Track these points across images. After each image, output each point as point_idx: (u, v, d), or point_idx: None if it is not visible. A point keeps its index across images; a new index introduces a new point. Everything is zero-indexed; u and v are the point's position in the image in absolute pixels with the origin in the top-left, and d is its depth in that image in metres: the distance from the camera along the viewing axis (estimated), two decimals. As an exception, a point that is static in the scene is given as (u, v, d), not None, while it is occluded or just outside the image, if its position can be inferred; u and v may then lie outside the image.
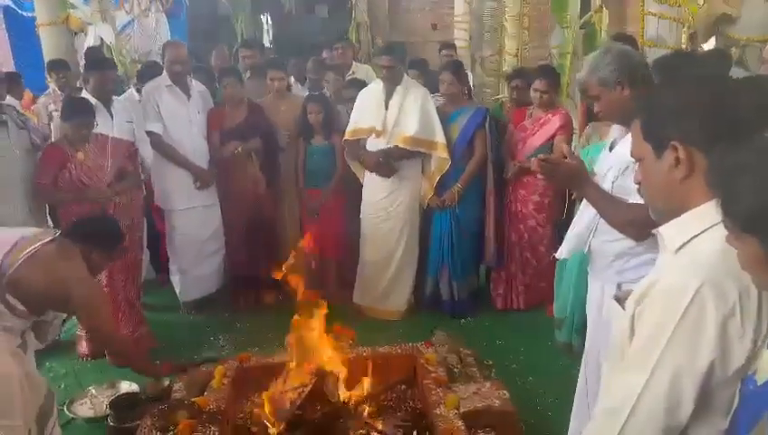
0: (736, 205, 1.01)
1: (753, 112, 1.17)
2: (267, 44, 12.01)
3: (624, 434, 1.16)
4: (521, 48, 6.79)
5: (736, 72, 3.40)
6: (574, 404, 2.49)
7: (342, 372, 2.85)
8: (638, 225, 2.00)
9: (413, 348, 3.27)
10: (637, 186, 1.39)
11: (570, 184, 2.30)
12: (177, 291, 4.43)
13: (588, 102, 4.02)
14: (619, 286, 1.88)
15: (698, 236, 1.18)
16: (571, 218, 2.48)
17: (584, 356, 2.46)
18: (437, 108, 4.09)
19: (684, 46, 4.34)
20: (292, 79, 5.34)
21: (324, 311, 2.92)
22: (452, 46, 6.78)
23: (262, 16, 12.09)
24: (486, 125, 4.06)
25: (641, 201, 1.97)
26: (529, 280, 4.23)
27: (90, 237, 2.65)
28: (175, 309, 4.46)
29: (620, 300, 1.31)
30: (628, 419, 1.17)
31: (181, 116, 4.22)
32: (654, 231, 1.32)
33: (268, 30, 12.53)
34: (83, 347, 3.81)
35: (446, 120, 4.06)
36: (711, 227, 1.16)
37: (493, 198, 4.16)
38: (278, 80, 4.45)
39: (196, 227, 4.34)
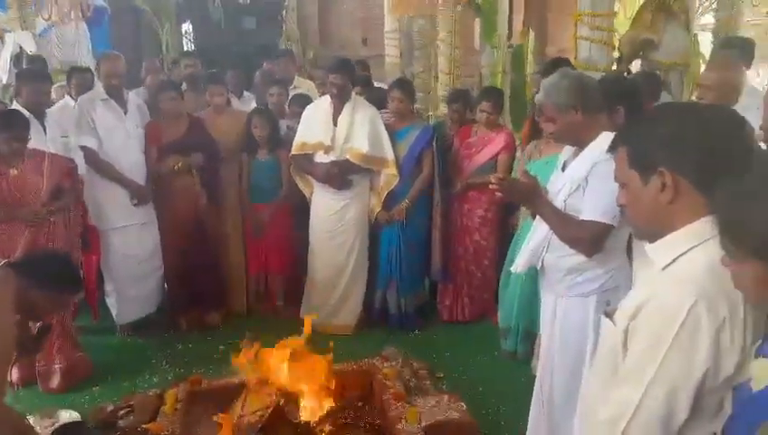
0: (744, 231, 1.09)
1: (727, 140, 1.29)
2: (191, 55, 11.72)
3: None
4: (453, 66, 7.01)
5: (663, 96, 3.66)
6: (531, 412, 2.58)
7: (301, 393, 2.82)
8: (589, 241, 2.13)
9: (369, 364, 3.29)
10: (619, 208, 1.49)
11: (525, 201, 2.43)
12: (114, 313, 4.23)
13: (535, 120, 4.23)
14: (607, 303, 1.99)
15: (684, 254, 1.27)
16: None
17: (539, 366, 2.56)
18: (386, 125, 4.14)
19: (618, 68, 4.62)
20: (229, 92, 5.25)
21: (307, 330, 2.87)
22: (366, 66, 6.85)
23: (183, 26, 11.80)
24: (434, 143, 4.16)
25: (590, 218, 2.12)
26: (474, 292, 4.34)
27: (36, 274, 2.26)
28: (111, 331, 4.25)
29: (609, 315, 1.39)
30: (626, 429, 1.24)
31: (118, 130, 4.05)
32: (645, 247, 1.40)
33: (190, 41, 12.24)
34: (14, 373, 3.56)
35: (394, 137, 4.12)
36: (696, 245, 1.26)
37: (439, 212, 4.25)
38: (218, 95, 4.36)
39: (133, 245, 4.16)
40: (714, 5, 7.43)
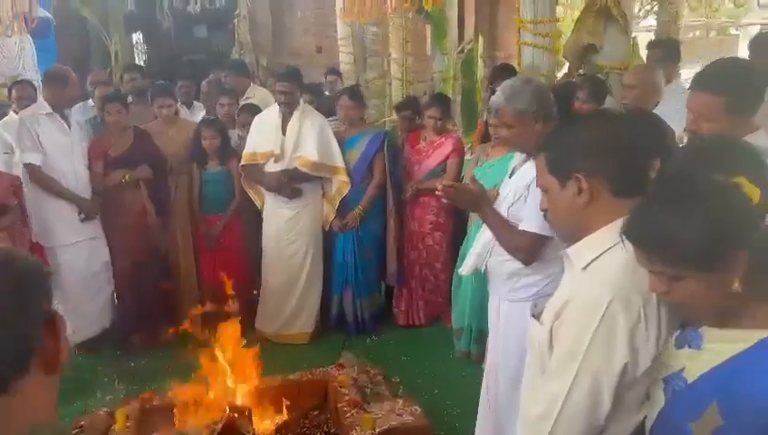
0: (674, 245, 1.13)
1: (644, 143, 1.36)
2: (142, 65, 11.56)
3: None
4: (405, 72, 7.09)
5: (607, 100, 3.78)
6: (479, 412, 2.63)
7: (254, 405, 2.81)
8: (525, 250, 2.19)
9: (324, 372, 3.29)
10: (542, 212, 1.54)
11: (471, 207, 2.47)
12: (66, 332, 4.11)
13: (487, 125, 4.29)
14: (534, 304, 2.04)
15: (602, 255, 1.33)
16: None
17: (486, 365, 2.61)
18: (336, 132, 4.17)
19: (561, 73, 4.73)
20: (179, 103, 5.19)
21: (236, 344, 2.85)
22: (338, 72, 6.91)
23: (134, 36, 11.61)
24: (385, 149, 4.20)
25: (528, 229, 2.17)
26: (428, 295, 4.39)
27: None
28: (60, 351, 4.13)
29: (536, 316, 1.44)
30: (556, 422, 1.30)
31: (63, 145, 3.97)
32: (561, 252, 1.46)
33: (141, 51, 12.04)
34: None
35: (345, 144, 4.15)
36: (612, 246, 1.32)
37: (393, 218, 4.29)
38: (166, 107, 4.31)
39: (82, 262, 4.07)
40: (655, 9, 7.71)
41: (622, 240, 1.22)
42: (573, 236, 1.41)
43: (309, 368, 3.35)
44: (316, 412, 3.13)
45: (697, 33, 16.69)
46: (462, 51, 7.12)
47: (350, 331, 4.30)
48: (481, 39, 7.72)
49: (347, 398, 2.97)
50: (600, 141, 1.35)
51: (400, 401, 2.99)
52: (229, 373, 2.92)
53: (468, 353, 3.82)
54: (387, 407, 2.94)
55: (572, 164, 1.36)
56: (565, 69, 4.97)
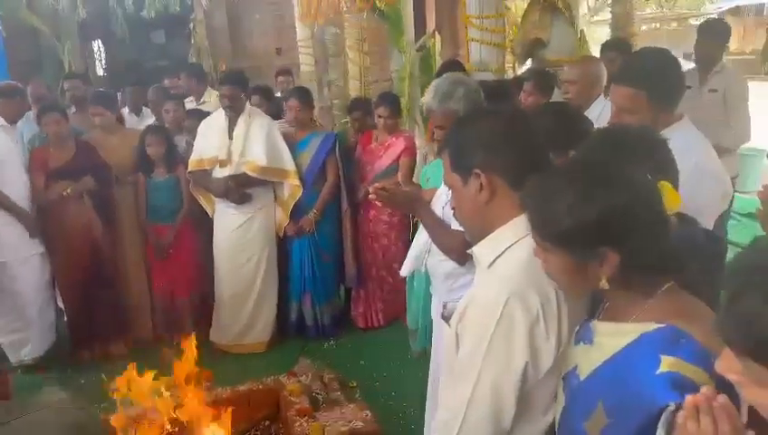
0: (550, 227, 1.14)
1: (539, 140, 1.34)
2: (101, 73, 11.35)
3: None
4: (363, 72, 7.03)
5: (555, 94, 3.78)
6: (426, 409, 2.61)
7: (202, 419, 2.74)
8: (458, 250, 2.16)
9: (275, 381, 3.22)
10: (452, 210, 1.52)
11: (406, 209, 2.45)
12: (14, 352, 4.01)
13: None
14: (444, 305, 2.02)
15: (505, 252, 1.31)
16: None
17: (432, 368, 2.59)
18: (286, 134, 4.10)
19: (511, 68, 4.73)
20: (126, 110, 5.08)
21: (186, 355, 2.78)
22: (288, 72, 6.82)
23: (93, 44, 11.40)
24: (337, 150, 4.15)
25: (460, 229, 2.14)
26: (386, 297, 4.35)
27: None
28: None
29: (446, 318, 1.41)
30: (461, 428, 1.26)
31: (12, 158, 3.90)
32: (468, 251, 1.44)
33: (100, 59, 11.83)
34: None
35: (296, 147, 4.09)
36: (515, 242, 1.30)
37: (349, 220, 4.24)
38: (99, 115, 4.16)
39: (37, 276, 4.01)
40: (609, 1, 7.78)
41: (526, 235, 1.20)
42: (480, 234, 1.38)
43: (265, 377, 3.29)
44: (267, 423, 3.08)
45: (658, 24, 16.94)
46: (420, 49, 7.06)
47: (311, 336, 4.25)
48: (439, 37, 7.69)
49: (297, 406, 2.92)
50: (495, 137, 1.33)
51: (351, 407, 2.95)
52: (179, 388, 2.84)
53: (425, 352, 3.79)
54: (337, 413, 2.90)
55: (471, 161, 1.34)
56: (528, 64, 4.96)
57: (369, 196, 2.23)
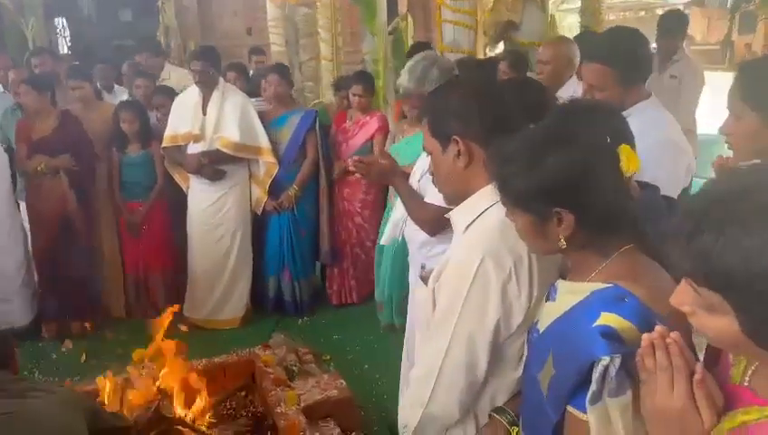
0: (509, 187, 1.21)
1: (516, 109, 1.41)
2: (66, 51, 11.07)
3: (435, 394, 1.34)
4: (335, 53, 7.03)
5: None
6: (401, 376, 2.69)
7: (176, 388, 2.78)
8: (429, 222, 2.24)
9: (250, 353, 3.27)
10: (431, 177, 1.58)
11: (383, 180, 2.52)
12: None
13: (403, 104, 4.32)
14: (422, 267, 2.09)
15: (480, 215, 1.38)
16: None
17: (406, 335, 2.67)
18: (266, 111, 4.11)
19: (486, 50, 4.81)
20: (98, 86, 5.02)
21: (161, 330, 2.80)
22: (262, 51, 6.79)
23: (57, 21, 11.11)
24: (317, 127, 4.18)
25: (432, 201, 2.22)
26: (360, 274, 4.41)
27: None
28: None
29: (424, 278, 1.48)
30: (437, 380, 1.34)
31: None
32: (446, 215, 1.51)
33: (65, 36, 11.55)
34: None
35: (275, 123, 4.11)
36: (490, 207, 1.37)
37: (326, 197, 4.28)
38: (78, 88, 4.14)
39: (17, 248, 4.06)
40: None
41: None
42: (457, 199, 1.45)
43: (239, 350, 3.33)
44: (243, 393, 3.12)
45: (626, 13, 17.23)
46: (392, 31, 7.09)
47: (289, 312, 4.29)
48: (410, 18, 7.73)
49: (271, 376, 2.97)
50: (471, 105, 1.40)
51: (326, 377, 3.02)
52: (153, 359, 2.87)
53: (392, 325, 3.88)
54: (312, 383, 2.97)
55: (449, 127, 1.40)
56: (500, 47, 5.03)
57: (349, 168, 2.30)
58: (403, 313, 3.77)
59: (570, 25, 7.33)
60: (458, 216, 1.44)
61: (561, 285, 1.25)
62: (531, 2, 4.43)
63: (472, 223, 1.39)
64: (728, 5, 16.45)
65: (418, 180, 2.34)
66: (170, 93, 4.28)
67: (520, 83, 1.59)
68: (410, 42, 7.33)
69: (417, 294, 2.44)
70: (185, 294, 4.19)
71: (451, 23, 4.16)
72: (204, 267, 4.13)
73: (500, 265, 1.29)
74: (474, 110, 1.39)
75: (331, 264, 4.44)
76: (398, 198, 2.53)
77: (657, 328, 0.93)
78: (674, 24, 4.17)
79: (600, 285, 1.14)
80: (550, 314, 1.23)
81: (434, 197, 2.22)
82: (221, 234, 4.10)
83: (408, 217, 2.38)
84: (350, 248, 4.39)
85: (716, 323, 0.85)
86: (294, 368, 3.20)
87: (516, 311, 1.30)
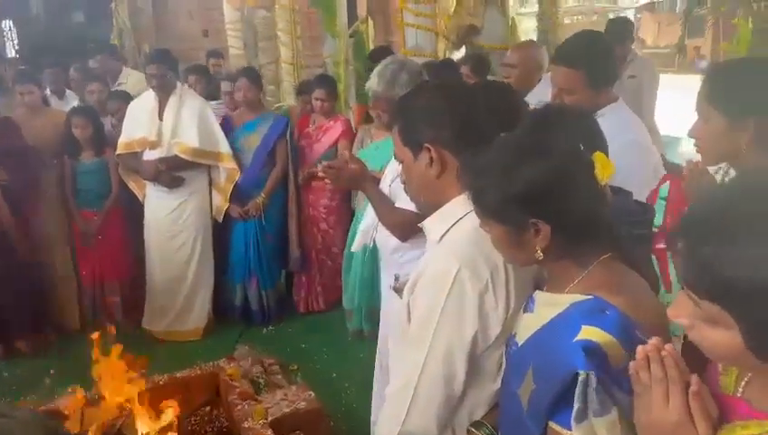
0: (482, 198, 1.18)
1: (487, 113, 1.37)
2: (12, 54, 10.67)
3: (412, 409, 1.29)
4: (296, 56, 6.95)
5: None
6: (373, 390, 2.64)
7: (138, 405, 2.67)
8: (400, 227, 2.20)
9: (214, 366, 3.17)
10: (403, 185, 1.54)
11: (353, 186, 2.47)
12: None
13: (366, 108, 4.28)
14: (396, 278, 2.05)
15: (455, 225, 1.34)
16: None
17: (379, 342, 2.62)
18: (234, 116, 4.01)
19: (446, 54, 4.81)
20: (48, 91, 4.83)
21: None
22: (220, 55, 6.67)
23: (4, 23, 10.71)
24: (287, 134, 4.09)
25: (403, 206, 2.19)
26: (326, 281, 4.34)
27: None
28: None
29: (398, 290, 1.44)
30: (414, 395, 1.29)
31: None
32: (420, 224, 1.47)
33: (12, 39, 11.13)
34: None
35: (244, 129, 4.01)
36: (464, 216, 1.33)
37: (294, 203, 4.20)
38: (27, 93, 3.96)
39: None
40: (536, -7, 8.01)
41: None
42: (431, 208, 1.41)
43: (203, 363, 3.23)
44: (208, 408, 3.02)
45: (580, 17, 17.61)
46: (352, 35, 7.05)
47: (257, 321, 4.19)
48: (372, 22, 7.70)
49: (237, 390, 2.88)
50: (442, 110, 1.35)
51: (294, 388, 2.94)
52: (112, 377, 2.75)
53: (361, 332, 3.83)
54: (280, 395, 2.88)
55: (421, 134, 1.36)
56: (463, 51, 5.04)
57: (318, 174, 2.24)
58: (372, 319, 3.75)
59: (526, 29, 7.41)
60: (432, 225, 1.39)
61: (539, 296, 1.22)
62: (492, 6, 4.45)
63: (446, 232, 1.35)
64: (677, 9, 16.98)
65: (389, 185, 2.29)
66: (125, 98, 4.15)
67: (488, 86, 1.55)
68: (371, 45, 7.30)
69: (390, 305, 2.39)
70: (143, 305, 4.05)
71: (413, 26, 4.15)
72: (163, 277, 3.99)
73: (476, 276, 1.25)
74: (445, 115, 1.35)
75: (299, 271, 4.35)
76: (369, 204, 2.49)
77: (652, 340, 0.91)
78: (620, 29, 4.26)
79: (580, 297, 1.11)
80: (528, 326, 1.19)
81: (405, 201, 2.18)
82: (180, 242, 3.97)
83: (380, 223, 2.34)
84: (315, 255, 4.32)
85: (717, 336, 0.83)
86: (261, 380, 3.11)
87: (493, 322, 1.26)
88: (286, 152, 4.12)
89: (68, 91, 4.99)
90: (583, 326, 1.04)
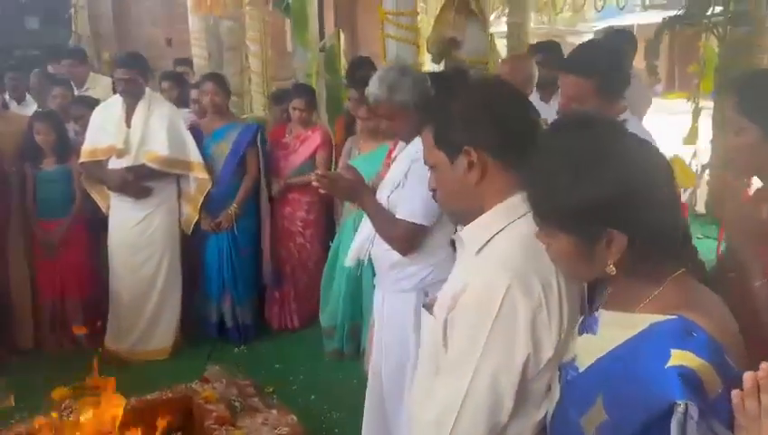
0: (548, 205, 1.06)
1: (533, 115, 1.27)
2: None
3: None
4: (265, 68, 6.81)
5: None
6: (365, 413, 2.48)
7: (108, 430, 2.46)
8: (401, 240, 2.10)
9: (186, 388, 2.97)
10: (432, 192, 1.41)
11: (349, 197, 2.36)
12: None
13: (346, 118, 4.17)
14: (426, 294, 1.92)
15: (495, 236, 1.22)
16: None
17: (370, 365, 2.47)
18: (203, 123, 3.85)
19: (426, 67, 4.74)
20: (7, 96, 4.57)
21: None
22: (188, 62, 6.48)
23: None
24: (258, 142, 3.93)
25: (404, 218, 2.08)
26: (301, 297, 4.17)
27: None
28: None
29: (428, 307, 1.30)
30: (455, 425, 1.16)
31: None
32: (454, 236, 1.34)
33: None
34: None
35: (213, 137, 3.84)
36: (507, 225, 1.21)
37: (268, 216, 4.03)
38: None
39: None
40: (506, 12, 8.11)
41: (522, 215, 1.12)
42: (467, 217, 1.28)
43: (170, 385, 3.02)
44: (179, 434, 2.82)
45: (546, 38, 17.99)
46: (323, 48, 6.95)
47: (232, 338, 3.99)
48: (342, 34, 7.63)
49: (214, 415, 2.70)
50: (487, 111, 1.24)
51: (274, 412, 2.77)
52: (77, 398, 2.54)
53: (341, 352, 3.67)
54: (260, 420, 2.71)
55: (460, 135, 1.24)
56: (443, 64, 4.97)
57: (312, 183, 2.11)
58: (353, 338, 3.60)
59: (498, 48, 7.47)
60: (471, 235, 1.26)
61: (604, 315, 1.10)
62: (473, 21, 4.42)
63: (486, 244, 1.22)
64: (635, 32, 17.51)
65: (387, 196, 2.18)
66: (90, 104, 3.94)
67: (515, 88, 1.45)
68: (342, 58, 7.22)
69: (387, 329, 2.25)
70: (106, 323, 3.79)
71: (394, 38, 4.06)
72: (128, 293, 3.76)
73: (528, 292, 1.13)
74: (488, 115, 1.23)
75: (273, 286, 4.17)
76: (359, 217, 2.38)
77: (763, 366, 0.81)
78: (624, 41, 4.22)
79: (659, 317, 1.00)
80: (591, 349, 1.07)
81: (405, 212, 2.07)
82: (147, 256, 3.76)
83: (376, 238, 2.22)
84: (290, 269, 4.14)
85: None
86: (237, 403, 2.93)
87: (546, 344, 1.14)
88: (257, 162, 3.96)
89: (28, 97, 4.74)
90: (673, 350, 0.93)
